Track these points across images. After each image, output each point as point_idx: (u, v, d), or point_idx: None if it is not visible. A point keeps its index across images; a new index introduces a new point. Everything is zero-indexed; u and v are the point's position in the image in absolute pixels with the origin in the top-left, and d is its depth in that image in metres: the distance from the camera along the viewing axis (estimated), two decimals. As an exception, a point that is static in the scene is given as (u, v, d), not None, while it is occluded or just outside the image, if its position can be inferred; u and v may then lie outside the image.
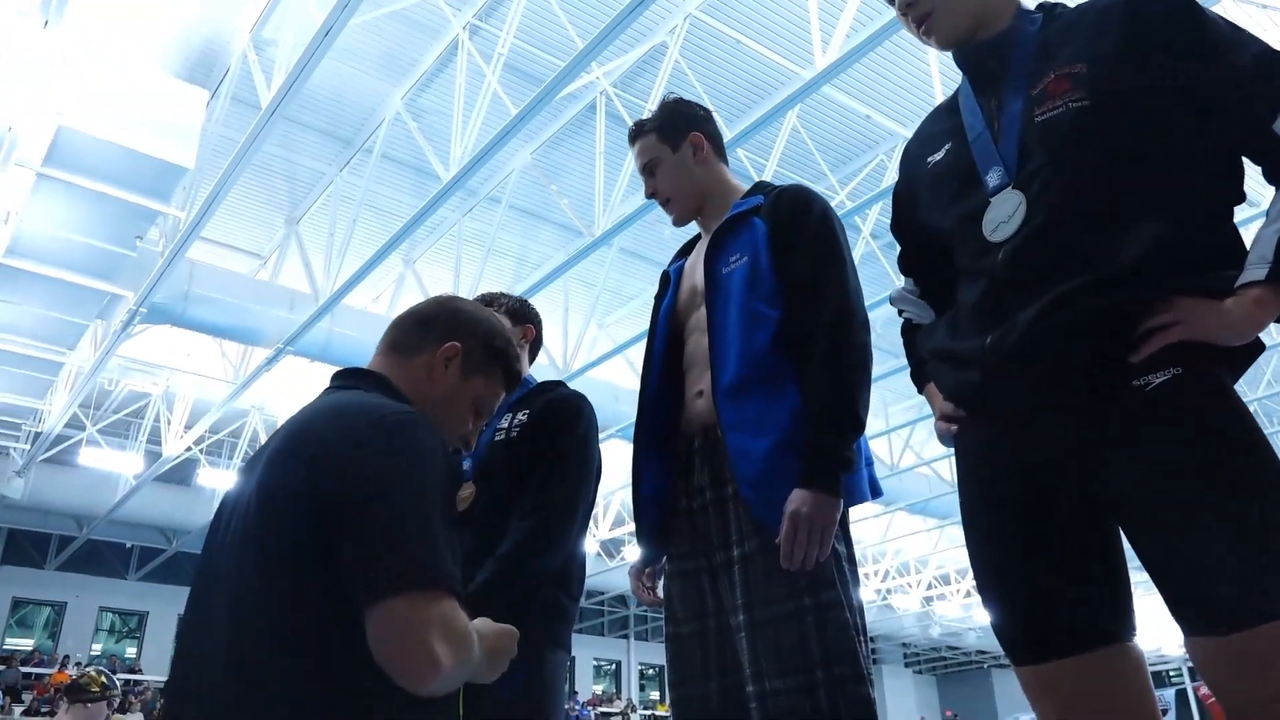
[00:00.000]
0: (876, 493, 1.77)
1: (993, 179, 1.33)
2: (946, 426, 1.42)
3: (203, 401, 11.98)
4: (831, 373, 1.67)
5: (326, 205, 9.19)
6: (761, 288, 1.78)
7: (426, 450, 1.19)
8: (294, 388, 11.15)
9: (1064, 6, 1.41)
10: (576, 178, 8.84)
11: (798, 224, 1.81)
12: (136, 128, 6.65)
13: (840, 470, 1.63)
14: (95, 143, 6.57)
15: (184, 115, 6.92)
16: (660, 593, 1.92)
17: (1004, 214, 1.30)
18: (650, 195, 2.03)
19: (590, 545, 15.91)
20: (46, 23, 6.15)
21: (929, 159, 1.47)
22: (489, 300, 2.45)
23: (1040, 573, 1.25)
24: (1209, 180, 1.24)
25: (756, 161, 8.15)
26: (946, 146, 1.44)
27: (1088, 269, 1.20)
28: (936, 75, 6.73)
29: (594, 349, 10.43)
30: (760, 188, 1.97)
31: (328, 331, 8.88)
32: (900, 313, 1.61)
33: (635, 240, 9.62)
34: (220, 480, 13.74)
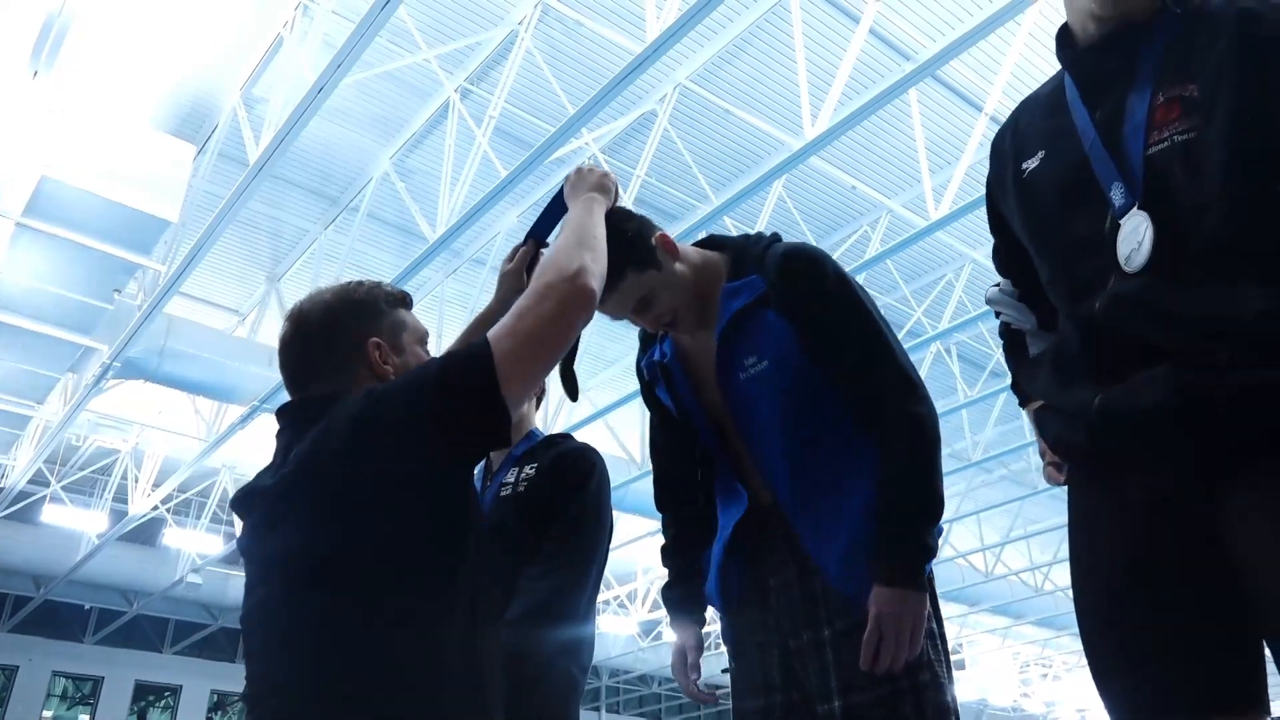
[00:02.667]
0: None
1: (1117, 196, 1.15)
2: (1056, 472, 1.31)
3: (172, 460, 11.69)
4: (904, 454, 1.53)
5: (309, 263, 9.11)
6: (799, 384, 1.61)
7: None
8: (267, 447, 10.88)
9: None
10: (562, 242, 8.83)
11: (821, 306, 1.62)
12: (120, 180, 6.57)
13: (925, 560, 1.49)
14: (78, 194, 6.47)
15: (170, 169, 6.84)
16: (703, 686, 1.75)
17: (1134, 241, 1.11)
18: (659, 327, 1.74)
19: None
20: (36, 73, 6.13)
21: (1024, 164, 1.30)
22: None
23: (1155, 624, 1.11)
24: None
25: (743, 229, 8.17)
26: (1042, 153, 1.27)
27: (1232, 327, 1.03)
28: (922, 149, 6.82)
29: (573, 414, 10.31)
30: (740, 256, 1.72)
31: (305, 390, 8.70)
32: (997, 314, 1.48)
33: (620, 305, 9.57)
34: (186, 540, 13.32)
